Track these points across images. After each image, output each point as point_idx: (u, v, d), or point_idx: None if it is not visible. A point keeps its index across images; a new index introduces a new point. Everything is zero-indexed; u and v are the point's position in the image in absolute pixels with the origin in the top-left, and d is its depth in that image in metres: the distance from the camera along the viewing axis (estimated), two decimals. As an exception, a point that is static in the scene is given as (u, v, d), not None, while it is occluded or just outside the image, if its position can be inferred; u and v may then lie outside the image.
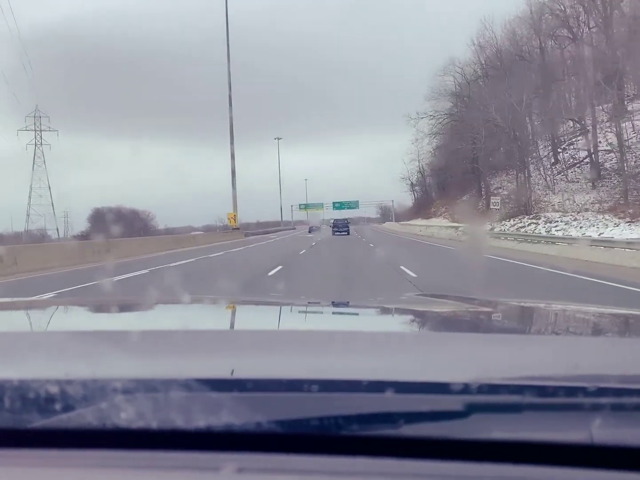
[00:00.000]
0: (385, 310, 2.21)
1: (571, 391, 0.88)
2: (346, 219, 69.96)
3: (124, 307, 2.18)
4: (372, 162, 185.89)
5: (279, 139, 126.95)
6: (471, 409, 0.86)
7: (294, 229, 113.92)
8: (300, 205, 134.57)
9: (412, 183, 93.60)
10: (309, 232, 73.14)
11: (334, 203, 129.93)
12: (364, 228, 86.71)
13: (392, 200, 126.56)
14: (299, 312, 2.18)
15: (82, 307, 2.38)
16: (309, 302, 2.56)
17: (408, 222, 71.23)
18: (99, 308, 2.26)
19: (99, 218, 68.35)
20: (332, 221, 72.47)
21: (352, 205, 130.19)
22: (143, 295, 3.65)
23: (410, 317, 2.08)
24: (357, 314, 2.21)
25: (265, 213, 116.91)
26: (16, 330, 1.56)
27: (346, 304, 2.51)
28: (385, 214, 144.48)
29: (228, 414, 0.85)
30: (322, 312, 2.21)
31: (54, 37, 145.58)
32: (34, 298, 6.21)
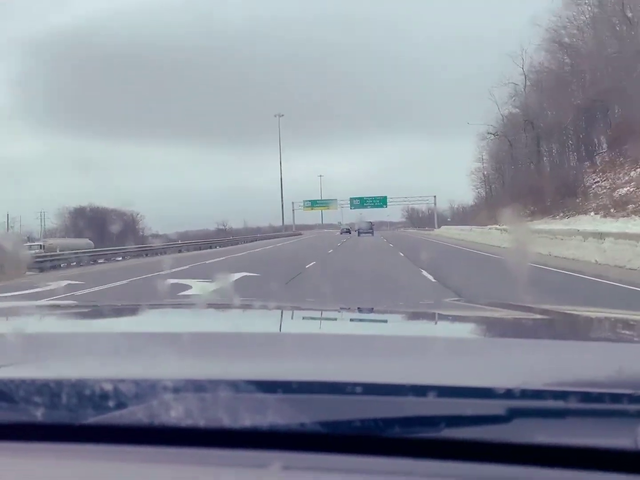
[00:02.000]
0: (424, 315, 2.25)
1: (615, 397, 0.88)
2: (371, 222, 74.26)
3: (174, 310, 2.34)
4: (398, 160, 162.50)
5: (280, 115, 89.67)
6: (514, 414, 0.86)
7: (300, 234, 76.72)
8: (304, 202, 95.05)
9: (509, 142, 53.68)
10: (340, 233, 77.35)
11: (352, 200, 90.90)
12: (399, 237, 48.78)
13: (434, 196, 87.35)
14: (338, 316, 2.25)
15: (133, 309, 2.44)
16: (341, 308, 2.54)
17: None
18: (150, 311, 2.33)
19: (76, 219, 67.45)
20: (357, 225, 75.67)
21: (377, 202, 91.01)
22: (192, 299, 3.88)
23: (450, 322, 2.09)
24: (396, 319, 2.20)
25: (278, 218, 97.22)
26: (73, 331, 1.62)
27: (383, 309, 2.47)
28: (413, 216, 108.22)
29: (273, 414, 0.87)
30: (360, 317, 2.24)
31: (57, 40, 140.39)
32: (90, 302, 5.69)
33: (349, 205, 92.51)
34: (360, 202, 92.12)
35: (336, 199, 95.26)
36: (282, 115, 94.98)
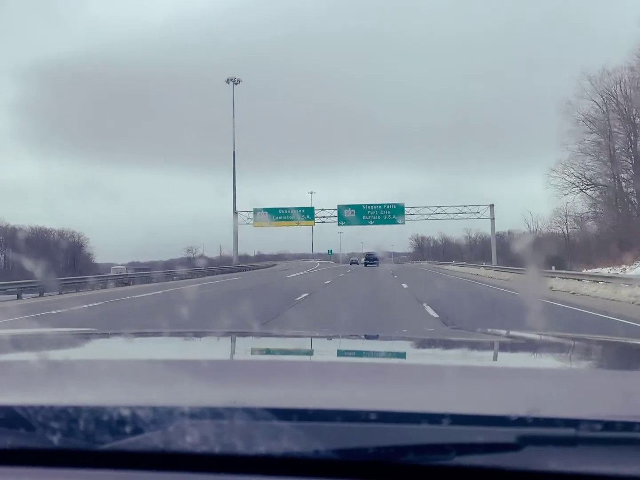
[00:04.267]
0: (433, 343, 2.27)
1: (627, 425, 0.88)
2: (375, 253, 68.44)
3: (192, 337, 2.34)
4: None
5: (234, 82, 51.88)
6: (525, 441, 0.87)
7: (243, 270, 47.17)
8: (255, 211, 56.11)
9: None
10: (350, 264, 76.79)
11: (340, 209, 52.02)
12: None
13: (491, 205, 51.69)
14: (350, 344, 2.30)
15: (152, 336, 2.46)
16: (352, 335, 2.61)
17: None
18: (168, 338, 2.34)
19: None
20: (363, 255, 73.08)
21: (386, 214, 51.98)
22: (210, 327, 3.88)
23: (460, 350, 2.11)
24: (406, 347, 2.21)
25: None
26: (92, 358, 1.68)
27: (391, 337, 2.51)
28: (423, 247, 75.89)
29: (288, 441, 0.88)
30: (371, 345, 2.28)
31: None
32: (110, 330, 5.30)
33: (336, 215, 55.14)
34: (357, 214, 54.59)
35: (312, 207, 57.59)
36: (238, 82, 57.64)
